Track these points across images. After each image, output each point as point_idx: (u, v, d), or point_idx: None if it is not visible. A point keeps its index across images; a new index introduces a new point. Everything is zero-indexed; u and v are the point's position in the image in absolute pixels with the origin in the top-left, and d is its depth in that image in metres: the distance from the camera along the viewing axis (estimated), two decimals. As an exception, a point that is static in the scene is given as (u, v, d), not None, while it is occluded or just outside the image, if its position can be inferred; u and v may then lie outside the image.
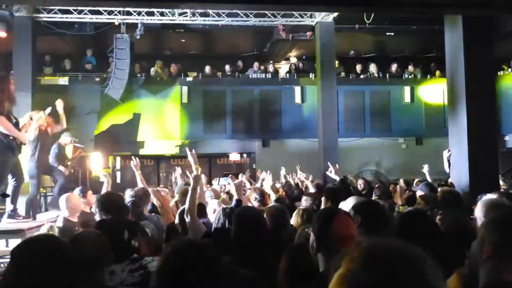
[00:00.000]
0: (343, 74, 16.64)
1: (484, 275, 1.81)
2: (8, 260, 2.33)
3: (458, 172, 7.66)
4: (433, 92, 16.28)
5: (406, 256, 1.13)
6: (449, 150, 7.74)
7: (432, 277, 1.11)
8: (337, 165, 6.61)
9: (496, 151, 7.93)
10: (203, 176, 5.74)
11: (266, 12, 13.55)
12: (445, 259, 2.33)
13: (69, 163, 9.95)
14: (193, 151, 4.66)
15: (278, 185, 9.08)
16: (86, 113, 14.26)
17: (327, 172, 6.43)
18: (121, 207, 4.38)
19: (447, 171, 8.06)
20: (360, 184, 9.56)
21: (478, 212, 3.21)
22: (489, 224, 1.93)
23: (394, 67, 17.01)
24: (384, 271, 1.09)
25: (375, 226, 3.07)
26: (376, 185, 9.28)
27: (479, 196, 4.45)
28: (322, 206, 5.08)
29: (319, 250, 2.56)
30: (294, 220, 4.48)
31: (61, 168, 8.83)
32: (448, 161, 7.69)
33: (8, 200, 7.17)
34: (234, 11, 13.33)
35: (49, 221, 7.04)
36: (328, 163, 6.40)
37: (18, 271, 2.18)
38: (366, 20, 13.82)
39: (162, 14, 13.66)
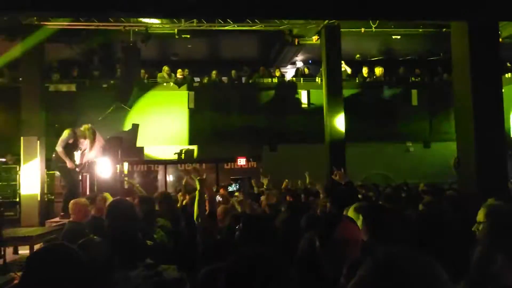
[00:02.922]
0: (349, 77, 16.63)
1: (495, 282, 1.78)
2: (19, 266, 2.36)
3: (466, 176, 7.63)
4: (440, 95, 16.22)
5: (416, 266, 1.15)
6: (455, 158, 7.71)
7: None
8: (342, 169, 6.60)
9: (504, 154, 7.90)
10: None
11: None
12: (457, 261, 2.33)
13: (77, 169, 10.09)
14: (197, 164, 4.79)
15: None
16: (99, 119, 14.30)
17: (333, 176, 6.42)
18: (131, 214, 4.38)
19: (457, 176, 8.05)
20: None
21: (482, 218, 3.19)
22: (498, 231, 1.90)
23: (401, 70, 17.01)
24: (394, 281, 1.12)
25: (382, 231, 3.09)
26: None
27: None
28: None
29: (323, 255, 2.58)
30: None
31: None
32: (456, 167, 7.66)
33: None
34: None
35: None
36: (333, 167, 6.38)
37: (32, 281, 2.20)
38: (372, 24, 13.83)
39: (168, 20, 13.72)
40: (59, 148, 9.73)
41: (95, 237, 3.43)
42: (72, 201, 6.15)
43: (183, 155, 15.38)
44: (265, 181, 9.88)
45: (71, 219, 6.06)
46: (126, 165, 15.22)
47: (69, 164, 9.74)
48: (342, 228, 2.59)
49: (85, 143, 10.09)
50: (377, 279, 1.14)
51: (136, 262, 2.91)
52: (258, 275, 1.58)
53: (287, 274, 1.64)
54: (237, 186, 13.27)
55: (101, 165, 12.15)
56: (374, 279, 1.15)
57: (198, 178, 4.73)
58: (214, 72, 16.49)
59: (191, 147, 15.71)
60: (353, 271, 1.23)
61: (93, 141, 10.06)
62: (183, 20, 13.61)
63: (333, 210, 5.34)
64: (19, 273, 5.16)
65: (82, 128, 10.01)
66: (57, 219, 9.93)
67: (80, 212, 5.90)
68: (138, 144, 15.28)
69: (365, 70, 16.90)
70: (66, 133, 9.82)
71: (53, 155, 9.98)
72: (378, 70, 16.82)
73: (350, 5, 7.51)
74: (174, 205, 6.71)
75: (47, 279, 2.16)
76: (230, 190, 11.93)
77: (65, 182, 10.09)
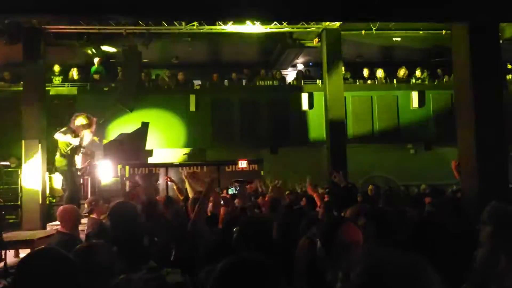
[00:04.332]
0: (350, 79, 16.65)
1: (498, 283, 1.75)
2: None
3: (467, 179, 7.62)
4: (442, 97, 16.23)
5: (407, 270, 1.14)
6: (456, 161, 7.69)
7: None
8: (340, 172, 6.60)
9: (506, 156, 7.88)
10: None
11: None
12: (456, 266, 2.33)
13: (78, 173, 10.09)
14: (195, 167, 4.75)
15: None
16: (99, 122, 14.30)
17: (332, 178, 6.43)
18: (133, 217, 4.37)
19: (457, 179, 8.03)
20: (370, 190, 9.54)
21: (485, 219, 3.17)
22: (501, 233, 1.88)
23: (401, 72, 17.01)
24: (383, 286, 1.12)
25: (382, 233, 3.09)
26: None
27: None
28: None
29: (325, 257, 2.58)
30: None
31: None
32: (458, 171, 7.64)
33: None
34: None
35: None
36: (333, 169, 6.40)
37: (23, 286, 2.20)
38: (372, 26, 13.84)
39: (169, 23, 13.73)
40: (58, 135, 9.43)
41: (94, 240, 3.43)
42: (61, 208, 5.60)
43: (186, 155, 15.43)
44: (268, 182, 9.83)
45: (59, 228, 5.42)
46: (127, 168, 15.25)
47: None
48: (345, 231, 2.59)
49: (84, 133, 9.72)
50: (367, 283, 1.14)
51: (139, 264, 2.91)
52: (246, 282, 1.57)
53: (278, 282, 1.63)
54: (237, 189, 13.27)
55: (102, 168, 12.18)
56: (364, 284, 1.15)
57: (207, 180, 4.68)
58: (215, 75, 16.51)
59: (185, 150, 15.73)
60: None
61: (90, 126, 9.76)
62: (183, 22, 13.62)
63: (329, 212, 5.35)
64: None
65: (77, 122, 9.58)
66: (58, 222, 9.92)
67: (71, 221, 5.29)
68: (140, 148, 15.28)
69: (365, 72, 16.92)
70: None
71: (56, 157, 9.94)
72: (379, 72, 16.83)
73: (351, 7, 7.51)
74: (179, 209, 6.72)
75: (38, 284, 2.14)
76: (230, 193, 11.94)
77: (66, 185, 10.04)
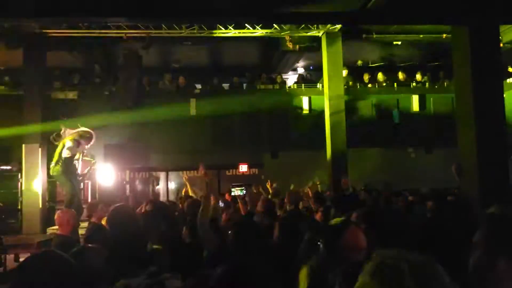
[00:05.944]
0: (350, 83, 16.64)
1: None
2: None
3: (468, 182, 7.61)
4: (442, 100, 16.22)
5: (415, 270, 1.15)
6: (456, 163, 7.68)
7: None
8: (347, 177, 6.62)
9: (506, 159, 7.87)
10: None
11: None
12: (459, 267, 2.31)
13: (80, 177, 10.07)
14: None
15: None
16: (100, 127, 14.29)
17: (342, 185, 6.42)
18: (132, 221, 4.33)
19: (458, 182, 8.01)
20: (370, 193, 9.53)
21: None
22: (496, 236, 1.85)
23: (401, 75, 17.01)
24: (394, 284, 1.12)
25: (387, 235, 3.07)
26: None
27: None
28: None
29: (329, 261, 2.57)
30: None
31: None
32: (458, 173, 7.63)
33: None
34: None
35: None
36: (341, 176, 6.40)
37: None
38: (372, 30, 13.86)
39: (169, 27, 13.75)
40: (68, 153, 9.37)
41: (90, 245, 3.41)
42: (58, 212, 5.71)
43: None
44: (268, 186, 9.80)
45: (57, 232, 5.56)
46: (127, 172, 15.24)
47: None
48: (348, 234, 2.58)
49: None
50: (378, 282, 1.14)
51: (138, 269, 2.89)
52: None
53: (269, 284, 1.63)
54: (243, 192, 13.30)
55: (103, 172, 12.18)
56: (374, 282, 1.15)
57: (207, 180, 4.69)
58: (215, 79, 16.51)
59: (185, 154, 15.71)
60: (348, 279, 1.23)
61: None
62: (184, 27, 13.63)
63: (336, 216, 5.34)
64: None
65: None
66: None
67: (68, 225, 5.40)
68: (140, 152, 15.27)
69: (366, 76, 16.91)
70: (70, 142, 9.59)
71: (52, 164, 9.82)
72: (379, 76, 16.83)
73: (349, 11, 7.53)
74: (176, 212, 6.70)
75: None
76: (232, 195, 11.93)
77: (65, 191, 9.96)
